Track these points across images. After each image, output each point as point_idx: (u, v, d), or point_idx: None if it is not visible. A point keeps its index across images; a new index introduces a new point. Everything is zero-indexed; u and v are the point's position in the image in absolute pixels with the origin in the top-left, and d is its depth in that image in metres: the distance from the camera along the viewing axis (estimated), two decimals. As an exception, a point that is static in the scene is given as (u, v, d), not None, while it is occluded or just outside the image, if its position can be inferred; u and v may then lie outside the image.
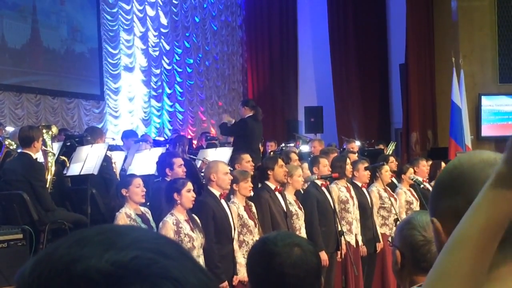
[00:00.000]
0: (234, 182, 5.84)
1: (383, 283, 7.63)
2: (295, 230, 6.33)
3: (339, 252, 6.86)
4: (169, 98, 14.89)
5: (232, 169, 6.45)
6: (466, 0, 14.32)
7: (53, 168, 6.68)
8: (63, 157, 7.25)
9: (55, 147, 7.18)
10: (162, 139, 12.27)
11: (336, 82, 16.50)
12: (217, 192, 5.70)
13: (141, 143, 8.90)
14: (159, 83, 14.62)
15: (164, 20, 14.90)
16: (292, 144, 11.75)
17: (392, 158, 8.90)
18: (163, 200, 5.30)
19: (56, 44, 12.27)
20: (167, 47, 14.91)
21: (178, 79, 15.18)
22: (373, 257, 7.49)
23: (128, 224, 5.09)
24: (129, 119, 13.70)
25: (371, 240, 7.43)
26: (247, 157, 6.98)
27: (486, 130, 14.14)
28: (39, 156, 6.52)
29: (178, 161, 6.25)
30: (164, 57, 14.84)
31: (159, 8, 14.79)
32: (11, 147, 6.84)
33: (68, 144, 7.52)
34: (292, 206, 6.53)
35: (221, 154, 7.95)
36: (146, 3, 14.41)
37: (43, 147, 6.55)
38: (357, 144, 11.52)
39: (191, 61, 15.60)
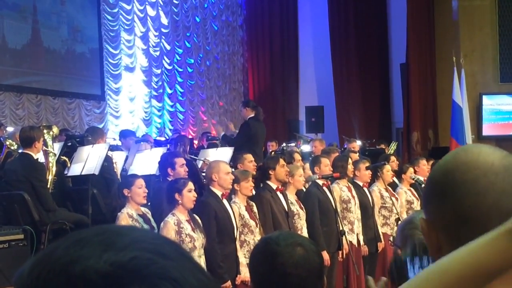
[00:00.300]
0: (235, 182, 5.85)
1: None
2: (297, 230, 6.33)
3: (340, 252, 6.86)
4: (170, 98, 14.90)
5: (233, 169, 6.45)
6: (467, -1, 14.31)
7: (54, 168, 6.68)
8: (64, 157, 7.25)
9: (56, 147, 7.18)
10: (163, 139, 12.28)
11: (337, 81, 16.50)
12: (219, 192, 5.70)
13: (142, 143, 8.90)
14: (160, 83, 14.62)
15: (164, 20, 14.91)
16: (293, 144, 11.75)
17: (393, 158, 8.90)
18: (164, 200, 5.30)
19: (57, 44, 12.27)
20: (168, 47, 14.91)
21: (179, 79, 15.18)
22: (374, 257, 7.49)
23: (130, 224, 5.09)
24: (130, 119, 13.71)
25: (372, 239, 7.43)
26: (249, 157, 6.99)
27: (487, 130, 14.13)
28: (40, 157, 6.53)
29: (180, 160, 6.26)
30: (165, 57, 14.85)
31: (159, 8, 14.79)
32: (12, 148, 6.84)
33: (69, 144, 7.52)
34: (293, 206, 6.53)
35: (222, 154, 7.94)
36: (147, 3, 14.42)
37: (44, 147, 6.56)
38: (358, 143, 11.51)
39: (192, 61, 15.61)
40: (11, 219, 6.22)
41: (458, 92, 12.32)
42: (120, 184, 5.78)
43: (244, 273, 5.63)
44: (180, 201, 5.14)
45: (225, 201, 5.73)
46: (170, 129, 14.55)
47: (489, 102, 14.18)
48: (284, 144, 11.71)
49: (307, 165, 7.55)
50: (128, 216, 5.28)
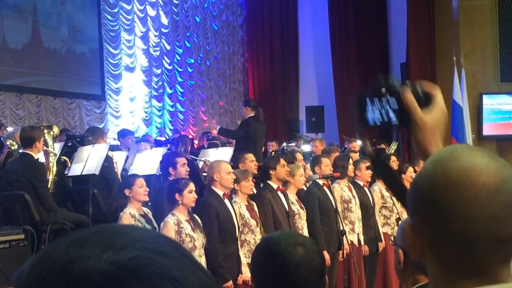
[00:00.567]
0: (235, 181, 5.85)
1: (385, 283, 7.62)
2: (297, 230, 6.33)
3: (341, 252, 6.86)
4: (170, 98, 14.90)
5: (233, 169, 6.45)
6: (467, -2, 14.31)
7: (54, 169, 6.69)
8: (64, 157, 7.25)
9: (57, 148, 7.18)
10: (163, 139, 12.29)
11: (337, 81, 16.50)
12: (220, 192, 5.70)
13: (142, 143, 8.91)
14: (160, 83, 14.63)
15: (164, 20, 14.91)
16: (293, 144, 11.75)
17: (393, 158, 8.90)
18: (165, 200, 5.31)
19: (57, 44, 12.27)
20: (168, 47, 14.91)
21: (179, 79, 15.18)
22: (375, 257, 7.49)
23: (133, 224, 5.09)
24: (130, 119, 13.71)
25: (373, 239, 7.43)
26: (250, 156, 6.99)
27: (488, 129, 14.12)
28: (40, 157, 6.53)
29: (181, 160, 6.27)
30: (165, 57, 14.85)
31: (159, 8, 14.79)
32: (12, 148, 6.84)
33: (70, 144, 7.52)
34: (294, 205, 6.53)
35: (222, 154, 7.95)
36: (147, 3, 14.42)
37: (44, 147, 6.56)
38: (358, 143, 11.51)
39: (192, 61, 15.61)
40: (12, 219, 6.22)
41: (458, 91, 12.33)
42: (120, 184, 5.78)
43: (245, 273, 5.63)
44: (180, 202, 5.14)
45: (226, 201, 5.73)
46: (170, 129, 14.56)
47: (489, 102, 14.17)
48: (284, 144, 11.72)
49: (308, 165, 7.55)
50: (130, 216, 5.28)
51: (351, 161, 7.45)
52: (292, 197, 6.60)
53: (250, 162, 6.89)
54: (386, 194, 7.75)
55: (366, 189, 7.58)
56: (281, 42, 17.15)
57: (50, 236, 6.19)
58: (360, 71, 16.53)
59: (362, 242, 7.26)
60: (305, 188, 7.04)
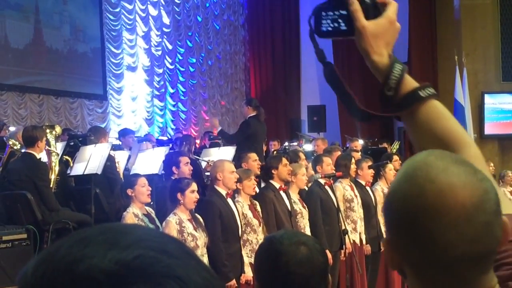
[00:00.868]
0: (238, 181, 5.85)
1: (387, 282, 7.63)
2: (300, 229, 6.33)
3: (342, 251, 6.86)
4: (172, 97, 14.90)
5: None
6: (468, -2, 14.30)
7: (57, 168, 6.69)
8: (66, 157, 7.26)
9: (59, 147, 7.19)
10: (165, 138, 12.29)
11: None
12: (223, 191, 5.71)
13: (144, 142, 8.91)
14: (162, 83, 14.63)
15: (166, 20, 14.91)
16: (295, 143, 11.75)
17: (396, 157, 8.90)
18: (168, 199, 5.31)
19: (59, 44, 12.28)
20: (170, 47, 14.92)
21: (180, 78, 15.19)
22: (377, 256, 7.49)
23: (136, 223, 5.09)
24: (132, 119, 13.72)
25: (375, 238, 7.43)
26: (253, 156, 6.99)
27: (489, 128, 14.11)
28: (43, 156, 6.53)
29: (185, 159, 6.29)
30: (167, 57, 14.85)
31: (161, 7, 14.80)
32: (15, 147, 6.85)
33: (72, 144, 7.53)
34: (296, 205, 6.54)
35: (224, 154, 7.95)
36: (149, 2, 14.42)
37: (47, 147, 6.56)
38: (360, 142, 11.51)
39: (194, 60, 15.61)
40: (14, 219, 6.23)
41: (460, 91, 12.31)
42: (122, 184, 5.78)
43: (247, 272, 5.64)
44: (181, 201, 5.15)
45: (229, 200, 5.73)
46: (172, 129, 14.56)
47: (491, 101, 14.16)
48: (286, 144, 11.72)
49: (310, 164, 7.55)
50: (133, 215, 5.28)
51: (353, 160, 7.45)
52: (294, 196, 6.60)
53: (253, 161, 6.90)
54: (388, 193, 7.74)
55: (368, 188, 7.58)
56: (283, 41, 17.14)
57: (53, 236, 6.20)
58: (362, 70, 16.51)
59: (364, 242, 7.26)
60: (306, 189, 7.04)
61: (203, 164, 7.90)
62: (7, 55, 11.31)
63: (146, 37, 14.32)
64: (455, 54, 12.88)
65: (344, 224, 6.73)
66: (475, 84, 13.78)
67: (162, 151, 7.45)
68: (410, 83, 1.41)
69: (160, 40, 14.66)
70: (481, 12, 14.18)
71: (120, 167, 7.48)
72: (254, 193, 6.12)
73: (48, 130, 6.75)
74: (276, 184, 6.44)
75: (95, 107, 12.99)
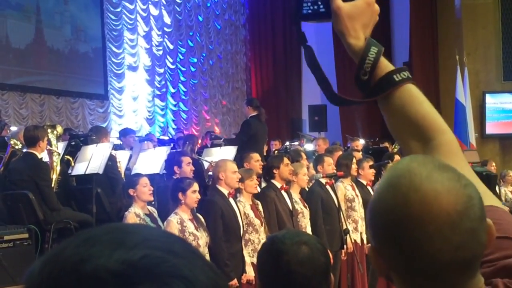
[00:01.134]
0: (240, 181, 5.85)
1: (388, 281, 7.62)
2: (301, 229, 6.33)
3: (343, 251, 6.86)
4: (173, 97, 14.91)
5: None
6: (470, -3, 14.30)
7: (58, 168, 6.70)
8: (68, 157, 7.27)
9: (60, 147, 7.19)
10: (166, 138, 12.30)
11: (340, 80, 16.49)
12: (225, 191, 5.71)
13: (145, 142, 8.91)
14: (163, 82, 14.64)
15: (167, 19, 14.92)
16: (296, 143, 11.75)
17: (397, 157, 8.89)
18: (169, 199, 5.32)
19: (60, 44, 12.29)
20: (171, 46, 14.92)
21: (182, 78, 15.19)
22: (378, 255, 7.48)
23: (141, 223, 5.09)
24: (133, 119, 13.72)
25: (376, 238, 7.42)
26: (256, 156, 6.99)
27: (490, 128, 14.10)
28: (44, 156, 6.54)
29: (186, 159, 6.30)
30: (168, 56, 14.86)
31: (162, 7, 14.80)
32: (16, 147, 6.85)
33: (73, 143, 7.53)
34: (297, 204, 6.54)
35: (225, 153, 7.95)
36: (150, 2, 14.43)
37: (48, 146, 6.57)
38: (361, 142, 11.51)
39: (195, 60, 15.61)
40: (16, 219, 6.23)
41: (461, 90, 12.32)
42: (124, 184, 5.79)
43: (249, 272, 5.64)
44: (183, 201, 5.15)
45: (231, 200, 5.74)
46: (173, 128, 14.57)
47: (492, 101, 14.15)
48: (287, 143, 11.72)
49: (311, 164, 7.56)
50: (135, 215, 5.29)
51: (354, 160, 7.45)
52: (296, 196, 6.60)
53: (256, 161, 6.90)
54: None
55: (369, 188, 7.58)
56: (284, 41, 17.14)
57: (54, 235, 6.20)
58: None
59: (365, 241, 7.26)
60: (307, 189, 7.04)
61: (206, 165, 7.91)
62: (8, 55, 11.32)
63: (147, 37, 14.32)
64: (456, 53, 12.88)
65: (346, 224, 6.73)
66: (476, 83, 13.77)
67: (164, 151, 7.45)
68: (386, 66, 1.37)
69: (161, 39, 14.67)
70: (482, 11, 14.17)
71: (122, 166, 7.48)
72: (256, 192, 6.13)
73: (49, 130, 6.76)
74: (278, 183, 6.45)
75: (96, 107, 13.00)
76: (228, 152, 8.07)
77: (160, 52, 14.62)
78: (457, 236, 1.00)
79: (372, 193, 7.56)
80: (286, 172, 6.47)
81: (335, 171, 6.97)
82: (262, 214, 6.04)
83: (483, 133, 13.93)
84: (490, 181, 7.56)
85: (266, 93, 16.78)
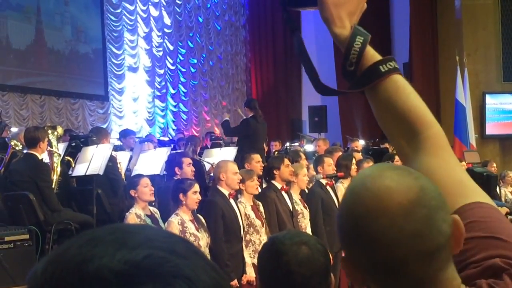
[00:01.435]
0: (240, 181, 5.85)
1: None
2: (301, 229, 6.32)
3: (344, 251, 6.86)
4: (173, 98, 14.91)
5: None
6: (469, -2, 14.30)
7: (58, 169, 6.70)
8: (68, 158, 7.27)
9: (61, 148, 7.19)
10: (166, 139, 12.30)
11: (340, 81, 16.48)
12: (226, 192, 5.71)
13: (145, 143, 8.92)
14: (163, 83, 14.64)
15: (167, 20, 14.92)
16: (296, 144, 11.75)
17: (397, 157, 8.89)
18: (170, 199, 5.33)
19: (60, 45, 12.29)
20: (171, 47, 14.92)
21: (182, 79, 15.20)
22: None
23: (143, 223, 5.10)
24: (133, 119, 13.72)
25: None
26: (257, 157, 6.99)
27: (490, 129, 14.11)
28: (44, 157, 6.54)
29: (187, 160, 6.31)
30: (168, 57, 14.86)
31: (162, 8, 14.81)
32: (17, 148, 6.85)
33: (73, 144, 7.53)
34: (298, 205, 6.54)
35: (225, 154, 7.95)
36: (150, 3, 14.43)
37: (48, 147, 6.57)
38: (361, 143, 11.51)
39: (195, 61, 15.62)
40: (16, 219, 6.23)
41: (461, 91, 12.32)
42: (125, 186, 5.79)
43: (249, 273, 5.64)
44: (183, 202, 5.15)
45: (232, 201, 5.74)
46: (173, 129, 14.57)
47: (492, 101, 14.16)
48: (287, 144, 11.72)
49: (311, 165, 7.55)
50: (136, 216, 5.29)
51: (354, 160, 7.45)
52: (296, 196, 6.60)
53: (256, 162, 6.89)
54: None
55: (369, 188, 7.57)
56: (284, 42, 17.14)
57: (55, 236, 6.21)
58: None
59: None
60: (306, 190, 7.03)
61: (207, 166, 7.91)
62: (9, 56, 11.32)
63: (147, 38, 14.32)
64: (456, 54, 12.89)
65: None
66: (476, 84, 13.77)
67: (164, 152, 7.46)
68: (372, 56, 1.36)
69: (161, 40, 14.67)
70: (482, 12, 14.17)
71: (122, 167, 7.49)
72: (257, 192, 6.13)
73: (50, 131, 6.76)
74: (278, 184, 6.45)
75: (96, 108, 13.00)
76: (229, 153, 8.07)
77: (160, 53, 14.62)
78: (410, 224, 1.01)
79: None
80: (287, 173, 6.47)
81: (335, 172, 6.97)
82: (263, 215, 6.04)
83: (483, 133, 13.94)
84: (491, 181, 7.56)
85: (266, 94, 16.78)
